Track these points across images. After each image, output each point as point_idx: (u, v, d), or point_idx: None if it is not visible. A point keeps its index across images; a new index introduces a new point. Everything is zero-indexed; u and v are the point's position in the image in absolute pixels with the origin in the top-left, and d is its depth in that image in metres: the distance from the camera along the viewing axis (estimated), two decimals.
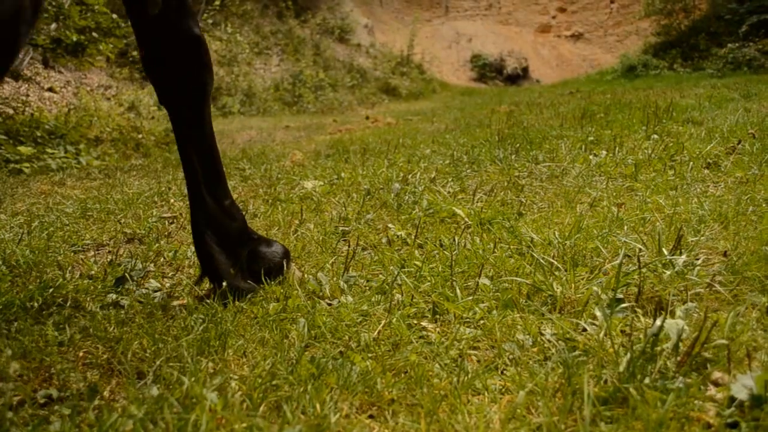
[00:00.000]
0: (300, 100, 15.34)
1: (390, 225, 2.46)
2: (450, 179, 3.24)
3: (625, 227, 2.20)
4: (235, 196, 3.24)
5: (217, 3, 16.28)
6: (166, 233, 2.63)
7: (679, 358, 1.22)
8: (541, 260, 1.76)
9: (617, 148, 3.79)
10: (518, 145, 4.25)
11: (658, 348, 1.24)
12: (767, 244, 1.77)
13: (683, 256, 1.71)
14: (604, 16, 22.99)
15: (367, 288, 1.81)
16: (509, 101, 11.36)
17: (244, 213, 2.78)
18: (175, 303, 1.78)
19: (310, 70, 16.71)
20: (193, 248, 2.29)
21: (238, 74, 14.99)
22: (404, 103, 16.59)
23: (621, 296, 1.53)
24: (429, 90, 18.76)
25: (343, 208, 2.75)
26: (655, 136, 4.18)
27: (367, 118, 10.15)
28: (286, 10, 19.45)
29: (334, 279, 1.87)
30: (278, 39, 18.24)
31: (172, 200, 3.31)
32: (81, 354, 1.46)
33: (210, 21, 16.18)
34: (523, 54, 22.59)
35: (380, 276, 1.89)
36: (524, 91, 17.92)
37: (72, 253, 2.40)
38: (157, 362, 1.33)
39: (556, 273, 1.75)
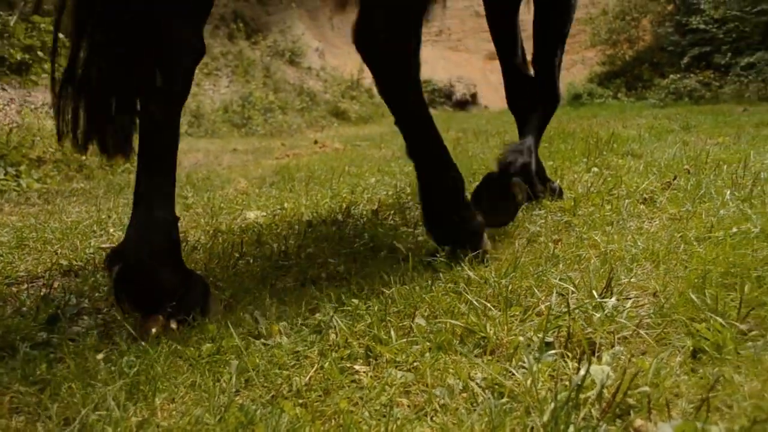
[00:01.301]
0: (249, 123, 15.26)
1: (330, 259, 2.46)
2: (392, 211, 3.26)
3: (561, 265, 2.24)
4: None
5: None
6: (103, 266, 2.60)
7: (603, 405, 1.24)
8: (475, 302, 1.77)
9: (558, 182, 3.86)
10: (464, 174, 4.29)
11: (583, 396, 1.26)
12: (694, 285, 1.82)
13: (613, 299, 1.75)
14: None
15: (304, 327, 1.81)
16: (457, 128, 11.48)
17: (184, 245, 2.77)
18: (107, 342, 1.75)
19: (260, 93, 16.65)
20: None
21: None
22: (353, 127, 16.65)
23: (551, 340, 1.56)
24: (378, 114, 18.84)
25: (285, 241, 2.74)
26: (596, 169, 4.27)
27: (316, 142, 10.15)
28: (236, 32, 19.40)
29: (271, 317, 1.86)
30: (228, 60, 18.15)
31: (111, 230, 3.26)
32: (8, 398, 1.43)
33: None
34: (472, 80, 22.88)
35: (317, 314, 1.89)
36: (473, 117, 18.12)
37: (5, 286, 2.35)
38: (84, 410, 1.31)
39: (490, 313, 1.77)
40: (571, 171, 4.35)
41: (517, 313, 1.79)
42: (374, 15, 2.31)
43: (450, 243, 2.37)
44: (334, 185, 4.27)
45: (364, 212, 3.26)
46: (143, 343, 1.68)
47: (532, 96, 3.21)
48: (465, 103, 21.97)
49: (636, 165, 4.48)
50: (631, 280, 1.99)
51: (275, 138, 13.86)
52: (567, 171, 4.36)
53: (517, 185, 2.79)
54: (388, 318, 1.78)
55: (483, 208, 2.58)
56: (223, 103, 15.89)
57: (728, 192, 3.07)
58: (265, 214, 3.36)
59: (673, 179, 3.47)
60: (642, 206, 3.11)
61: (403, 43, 2.35)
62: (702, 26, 16.74)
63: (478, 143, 7.72)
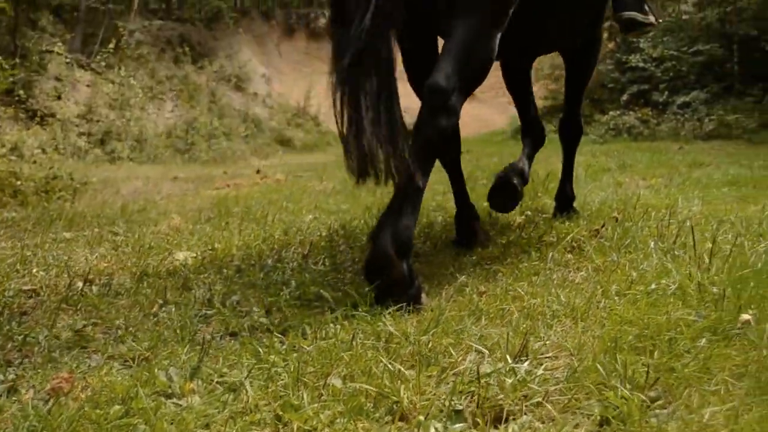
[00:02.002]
0: (192, 148, 15.13)
1: (255, 308, 2.44)
2: (324, 255, 3.25)
3: (484, 319, 2.25)
4: (101, 267, 3.16)
5: (111, 46, 15.95)
6: (21, 311, 2.53)
7: None
8: (389, 365, 1.77)
9: (491, 226, 3.91)
10: None
11: None
12: (608, 348, 1.85)
13: (525, 364, 1.76)
14: (495, 79, 23.69)
15: (219, 385, 1.78)
16: None
17: (107, 288, 2.72)
18: (14, 399, 1.71)
19: (205, 118, 16.52)
20: (46, 332, 2.22)
21: (129, 119, 14.64)
22: (298, 155, 16.62)
23: (461, 407, 1.56)
24: (324, 142, 18.87)
25: (211, 287, 2.71)
26: (528, 213, 4.33)
27: (258, 171, 10.10)
28: (183, 56, 19.28)
29: (186, 374, 1.83)
30: (173, 84, 18.01)
31: (35, 270, 3.18)
32: None
33: (103, 63, 15.83)
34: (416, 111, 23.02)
35: (235, 371, 1.86)
36: None
37: None
38: None
39: (407, 374, 1.77)
40: (504, 213, 4.40)
41: (435, 373, 1.79)
42: (449, 79, 2.59)
43: None
44: (269, 223, 4.24)
45: (295, 255, 3.25)
46: (49, 402, 1.64)
47: (541, 135, 4.42)
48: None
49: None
50: (549, 339, 2.01)
51: (218, 165, 13.76)
52: (500, 214, 4.41)
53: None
54: (305, 378, 1.77)
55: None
56: (166, 127, 15.72)
57: (653, 242, 3.14)
58: (194, 255, 3.32)
59: (602, 227, 3.54)
60: (569, 255, 3.15)
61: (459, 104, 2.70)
62: (641, 64, 17.19)
63: None
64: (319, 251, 3.35)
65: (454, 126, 2.81)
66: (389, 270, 2.45)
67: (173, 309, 2.44)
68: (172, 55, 19.80)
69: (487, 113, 23.38)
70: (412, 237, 2.63)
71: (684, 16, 18.53)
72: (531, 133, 4.42)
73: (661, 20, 5.59)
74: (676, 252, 2.97)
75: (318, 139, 18.99)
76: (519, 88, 4.38)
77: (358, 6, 2.51)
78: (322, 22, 25.57)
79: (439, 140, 2.67)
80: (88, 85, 15.06)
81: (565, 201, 4.29)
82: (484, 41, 2.73)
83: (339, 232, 3.82)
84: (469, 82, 2.71)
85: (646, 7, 3.86)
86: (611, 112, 16.79)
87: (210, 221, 4.62)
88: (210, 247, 3.49)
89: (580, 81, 4.31)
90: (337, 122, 2.61)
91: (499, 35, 2.77)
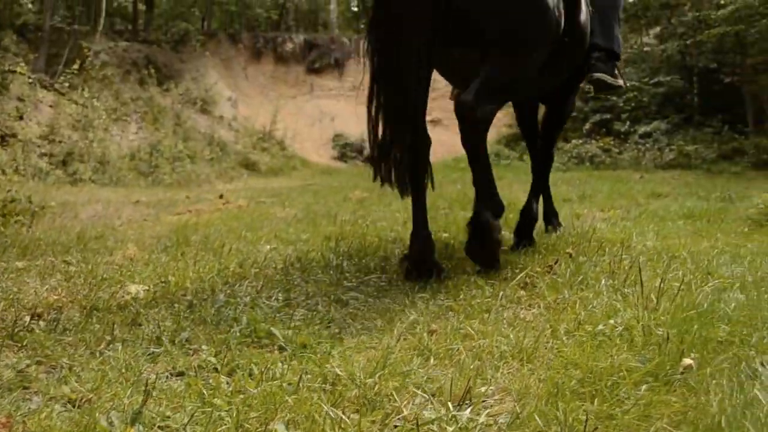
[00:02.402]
0: (156, 171, 14.99)
1: (204, 346, 2.43)
2: (278, 289, 3.24)
3: (432, 359, 2.26)
4: (51, 300, 3.11)
5: (76, 66, 15.82)
6: None
7: None
8: (331, 413, 1.77)
9: (447, 260, 3.93)
10: (355, 249, 4.32)
11: None
12: (551, 393, 1.86)
13: (468, 411, 1.77)
14: None
15: (161, 430, 1.76)
16: (364, 186, 11.54)
17: (55, 325, 2.68)
18: None
19: (169, 141, 16.41)
20: None
21: (93, 140, 14.48)
22: (263, 179, 16.57)
23: None
24: (289, 167, 18.84)
25: (161, 324, 2.69)
26: None
27: (221, 196, 10.03)
28: (148, 77, 19.19)
29: (127, 418, 1.81)
30: (138, 106, 17.88)
31: None
32: None
33: (67, 84, 15.69)
34: None
35: (177, 415, 1.84)
36: None
37: None
38: None
39: (351, 418, 1.77)
40: (462, 246, 4.42)
41: (379, 418, 1.79)
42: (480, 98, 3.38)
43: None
44: (226, 254, 4.22)
45: (249, 289, 3.23)
46: None
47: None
48: None
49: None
50: (495, 382, 2.02)
51: (182, 188, 13.67)
52: (458, 246, 4.43)
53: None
54: (247, 423, 1.76)
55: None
56: (130, 149, 15.58)
57: (604, 280, 3.18)
58: (147, 288, 3.28)
59: (555, 263, 3.57)
60: (522, 291, 3.18)
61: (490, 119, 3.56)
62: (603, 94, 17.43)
63: (381, 205, 7.79)
64: (274, 285, 3.34)
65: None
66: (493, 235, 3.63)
67: (120, 347, 2.41)
68: (138, 77, 19.69)
69: (451, 139, 23.48)
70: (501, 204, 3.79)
71: (645, 48, 18.90)
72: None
73: (629, 83, 6.52)
74: (626, 290, 3.00)
75: (283, 163, 18.96)
76: (530, 126, 5.11)
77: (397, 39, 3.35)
78: (290, 46, 25.65)
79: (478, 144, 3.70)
80: (51, 106, 14.90)
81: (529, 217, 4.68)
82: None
83: (295, 265, 3.81)
84: None
85: (616, 71, 4.45)
86: (574, 141, 17.02)
87: (167, 250, 4.58)
88: (163, 280, 3.46)
89: (558, 123, 4.97)
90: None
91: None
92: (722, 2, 16.55)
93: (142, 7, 25.24)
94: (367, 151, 22.42)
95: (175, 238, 5.06)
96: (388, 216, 6.57)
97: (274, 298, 3.11)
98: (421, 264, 3.52)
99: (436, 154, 17.52)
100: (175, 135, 17.11)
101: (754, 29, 15.04)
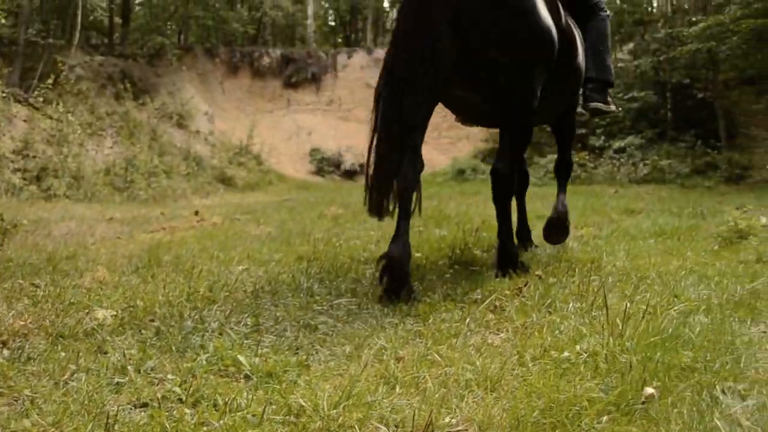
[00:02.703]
0: (132, 186, 14.88)
1: (170, 375, 2.41)
2: (246, 314, 3.22)
3: (398, 387, 2.26)
4: (17, 327, 3.08)
5: (51, 80, 15.72)
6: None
7: None
8: None
9: (418, 282, 3.93)
10: (327, 270, 4.32)
11: None
12: (512, 425, 1.87)
13: None
14: (439, 119, 24.00)
15: None
16: (340, 202, 11.56)
17: (20, 353, 2.65)
18: None
19: (145, 156, 16.31)
20: None
21: (67, 155, 14.35)
22: (239, 194, 16.53)
23: None
24: (266, 182, 18.81)
25: (127, 351, 2.67)
26: (457, 267, 4.37)
27: (196, 213, 9.99)
28: (124, 92, 19.09)
29: None
30: (114, 121, 17.79)
31: None
32: None
33: (41, 98, 15.58)
34: (361, 150, 23.12)
35: None
36: (359, 188, 18.23)
37: None
38: None
39: None
40: (435, 268, 4.44)
41: None
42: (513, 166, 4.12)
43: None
44: (197, 276, 4.20)
45: (218, 314, 3.21)
46: None
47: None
48: (353, 173, 22.19)
49: None
50: (459, 411, 2.03)
51: (157, 204, 13.60)
52: (431, 267, 4.45)
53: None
54: None
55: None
56: (105, 164, 15.47)
57: (572, 303, 3.20)
58: (115, 313, 3.26)
59: (525, 285, 3.59)
60: (491, 315, 3.19)
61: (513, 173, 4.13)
62: (579, 109, 17.57)
63: (356, 223, 7.79)
64: (243, 309, 3.33)
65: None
66: (516, 262, 4.14)
67: (84, 377, 2.39)
68: (113, 91, 19.62)
69: (429, 153, 23.59)
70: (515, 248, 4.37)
71: (620, 64, 19.07)
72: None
73: (620, 108, 7.21)
74: (593, 313, 3.03)
75: (260, 178, 18.93)
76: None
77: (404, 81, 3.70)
78: (267, 60, 25.67)
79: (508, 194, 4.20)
80: (25, 121, 14.77)
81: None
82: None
83: (265, 288, 3.80)
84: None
85: (609, 98, 5.01)
86: (549, 155, 17.09)
87: (138, 271, 4.55)
88: (132, 304, 3.44)
89: (566, 144, 5.67)
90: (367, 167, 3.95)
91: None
92: (694, 20, 16.79)
93: (118, 20, 25.17)
94: (343, 165, 22.52)
95: (146, 259, 5.03)
96: (362, 234, 6.57)
97: (242, 323, 3.09)
98: (398, 266, 3.59)
99: None
100: (151, 150, 17.02)
101: (725, 46, 15.28)
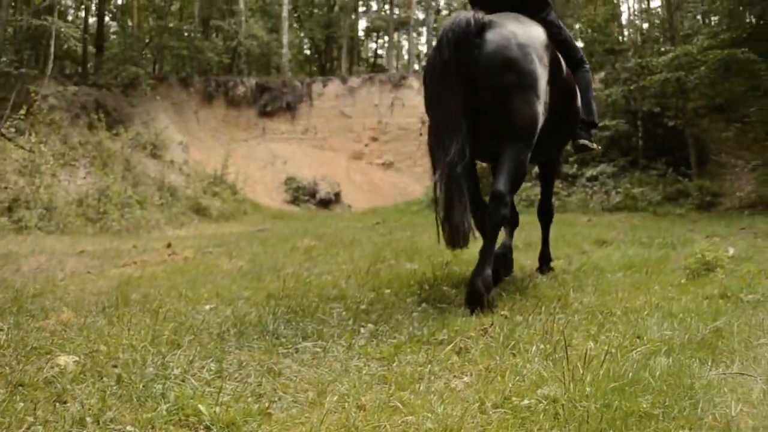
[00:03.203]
0: (105, 217, 14.77)
1: (129, 428, 2.39)
2: (210, 359, 3.21)
3: None
4: None
5: (23, 111, 15.64)
6: None
7: None
8: None
9: (386, 321, 3.93)
10: (294, 310, 4.31)
11: None
12: None
13: None
14: (414, 147, 24.23)
15: None
16: (314, 233, 11.56)
17: None
18: None
19: (118, 186, 16.22)
20: None
21: (39, 186, 14.27)
22: (214, 224, 16.48)
23: None
24: (241, 211, 18.76)
25: (86, 401, 2.64)
26: (425, 305, 4.37)
27: (169, 245, 9.93)
28: (97, 122, 19.04)
29: None
30: (87, 151, 17.71)
31: None
32: None
33: (13, 129, 15.49)
34: (336, 179, 23.24)
35: None
36: (334, 217, 18.31)
37: None
38: None
39: None
40: (403, 306, 4.45)
41: None
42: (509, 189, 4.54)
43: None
44: (164, 317, 4.17)
45: (181, 360, 3.19)
46: None
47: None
48: (329, 202, 22.23)
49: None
50: None
51: (131, 235, 13.52)
52: (399, 305, 4.45)
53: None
54: None
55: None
56: (78, 195, 15.37)
57: (536, 345, 3.22)
58: (77, 358, 3.22)
59: (490, 325, 3.60)
60: (456, 357, 3.20)
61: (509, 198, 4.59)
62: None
63: (329, 256, 7.79)
64: (207, 353, 3.30)
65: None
66: (480, 300, 4.24)
67: (42, 430, 2.36)
68: (87, 121, 19.57)
69: (404, 182, 23.70)
70: (491, 278, 4.43)
71: None
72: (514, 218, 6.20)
73: (599, 146, 8.21)
74: (557, 355, 3.04)
75: (235, 207, 18.87)
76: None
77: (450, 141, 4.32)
78: (241, 89, 25.72)
79: (502, 221, 4.55)
80: None
81: (545, 260, 6.09)
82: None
83: (230, 331, 3.78)
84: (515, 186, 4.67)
85: (592, 137, 5.82)
86: (524, 184, 17.21)
87: (105, 311, 4.51)
88: (95, 349, 3.40)
89: (552, 179, 6.36)
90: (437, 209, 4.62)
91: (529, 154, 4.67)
92: (663, 50, 17.05)
93: (92, 50, 25.13)
94: (318, 194, 22.55)
95: (114, 297, 4.99)
96: (334, 268, 6.57)
97: (206, 368, 3.07)
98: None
99: (387, 197, 17.93)
100: (125, 180, 16.94)
101: (693, 75, 15.52)
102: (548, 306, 4.17)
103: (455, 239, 4.41)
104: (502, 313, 4.00)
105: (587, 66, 5.85)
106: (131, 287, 5.62)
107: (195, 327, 3.85)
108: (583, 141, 5.62)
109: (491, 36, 4.46)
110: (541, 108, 4.56)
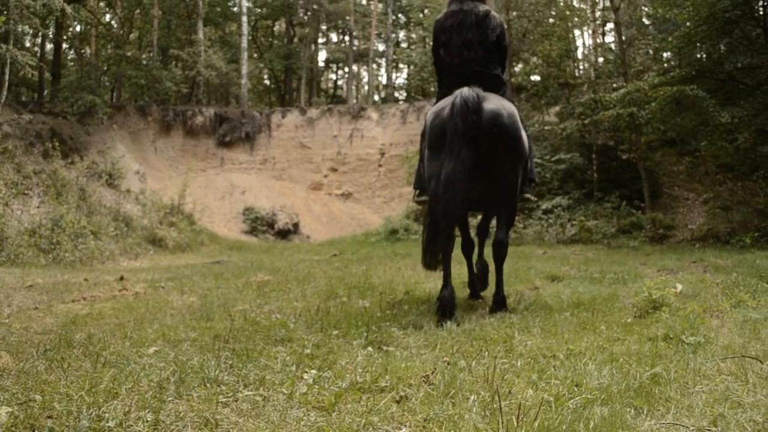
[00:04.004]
0: (57, 248, 14.56)
1: None
2: (148, 410, 3.16)
3: None
4: None
5: None
6: None
7: None
8: None
9: (329, 367, 3.92)
10: (239, 353, 4.28)
11: None
12: None
13: None
14: (373, 178, 24.34)
15: None
16: (270, 266, 11.51)
17: None
18: None
19: (72, 216, 16.00)
20: None
21: None
22: (170, 255, 16.33)
23: None
24: (198, 242, 18.62)
25: None
26: (370, 349, 4.37)
27: (121, 278, 9.82)
28: (52, 150, 18.81)
29: None
30: (41, 180, 17.48)
31: None
32: None
33: None
34: (295, 209, 23.20)
35: None
36: (291, 248, 18.24)
37: None
38: None
39: None
40: (349, 347, 4.44)
41: None
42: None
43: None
44: (105, 362, 4.11)
45: (117, 411, 3.14)
46: None
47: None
48: (287, 233, 22.16)
49: (415, 340, 4.66)
50: None
51: (84, 266, 13.36)
52: (344, 349, 4.44)
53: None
54: None
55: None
56: (31, 225, 15.13)
57: (474, 396, 3.23)
58: (10, 410, 3.16)
59: (432, 372, 3.61)
60: (395, 407, 3.19)
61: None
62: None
63: (281, 292, 7.75)
64: (145, 403, 3.26)
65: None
66: (503, 306, 6.19)
67: None
68: (42, 149, 19.34)
69: (363, 212, 23.74)
70: (505, 299, 6.27)
71: (546, 127, 19.58)
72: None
73: (536, 199, 10.27)
74: (495, 405, 3.05)
75: (191, 238, 18.71)
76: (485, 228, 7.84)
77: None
78: (200, 119, 25.64)
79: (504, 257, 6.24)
80: None
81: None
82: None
83: (171, 379, 3.73)
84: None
85: (532, 191, 7.11)
86: (479, 216, 17.33)
87: (46, 354, 4.43)
88: (30, 398, 3.34)
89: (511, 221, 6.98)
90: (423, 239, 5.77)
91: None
92: (615, 86, 17.38)
93: (49, 77, 24.89)
94: (277, 225, 22.49)
95: (57, 338, 4.91)
96: (285, 305, 6.55)
97: (142, 420, 3.03)
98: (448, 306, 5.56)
99: (346, 228, 17.92)
100: (79, 210, 16.73)
101: (645, 111, 15.83)
102: (492, 350, 4.19)
103: (433, 264, 5.81)
104: (445, 358, 4.01)
105: (530, 132, 7.15)
106: (77, 326, 5.53)
107: (135, 373, 3.79)
108: (527, 195, 6.83)
109: (488, 106, 5.73)
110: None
